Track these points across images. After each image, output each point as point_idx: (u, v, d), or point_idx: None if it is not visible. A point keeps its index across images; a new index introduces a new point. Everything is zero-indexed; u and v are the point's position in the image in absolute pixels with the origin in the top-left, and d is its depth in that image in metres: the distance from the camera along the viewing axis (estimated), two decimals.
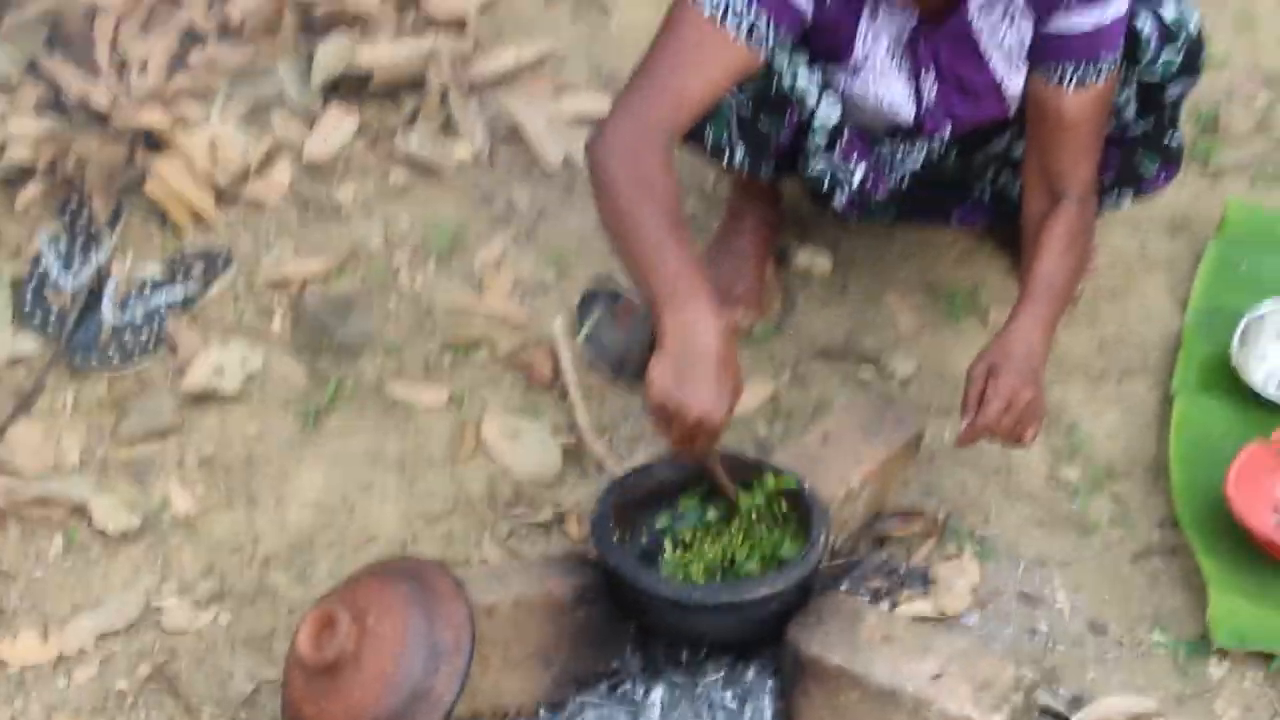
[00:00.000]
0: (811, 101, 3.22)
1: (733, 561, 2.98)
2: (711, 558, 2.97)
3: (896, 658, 2.82)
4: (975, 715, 2.75)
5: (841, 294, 3.66)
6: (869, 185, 3.35)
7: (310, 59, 3.94)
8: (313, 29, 4.00)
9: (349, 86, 3.96)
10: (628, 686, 2.94)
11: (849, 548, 3.18)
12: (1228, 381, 3.45)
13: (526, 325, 3.56)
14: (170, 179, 3.70)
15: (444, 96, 3.96)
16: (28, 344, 3.48)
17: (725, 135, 3.24)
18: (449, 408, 3.41)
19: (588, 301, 2.91)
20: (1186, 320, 3.60)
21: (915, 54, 3.19)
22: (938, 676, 2.80)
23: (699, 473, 3.01)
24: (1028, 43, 3.18)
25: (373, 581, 2.86)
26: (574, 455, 3.33)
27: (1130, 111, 3.32)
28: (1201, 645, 3.07)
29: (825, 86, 3.24)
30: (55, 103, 3.80)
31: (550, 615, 2.92)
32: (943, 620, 3.09)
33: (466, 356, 3.50)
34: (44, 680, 3.02)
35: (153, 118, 3.75)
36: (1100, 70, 3.16)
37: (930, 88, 3.23)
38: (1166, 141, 3.40)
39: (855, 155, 3.31)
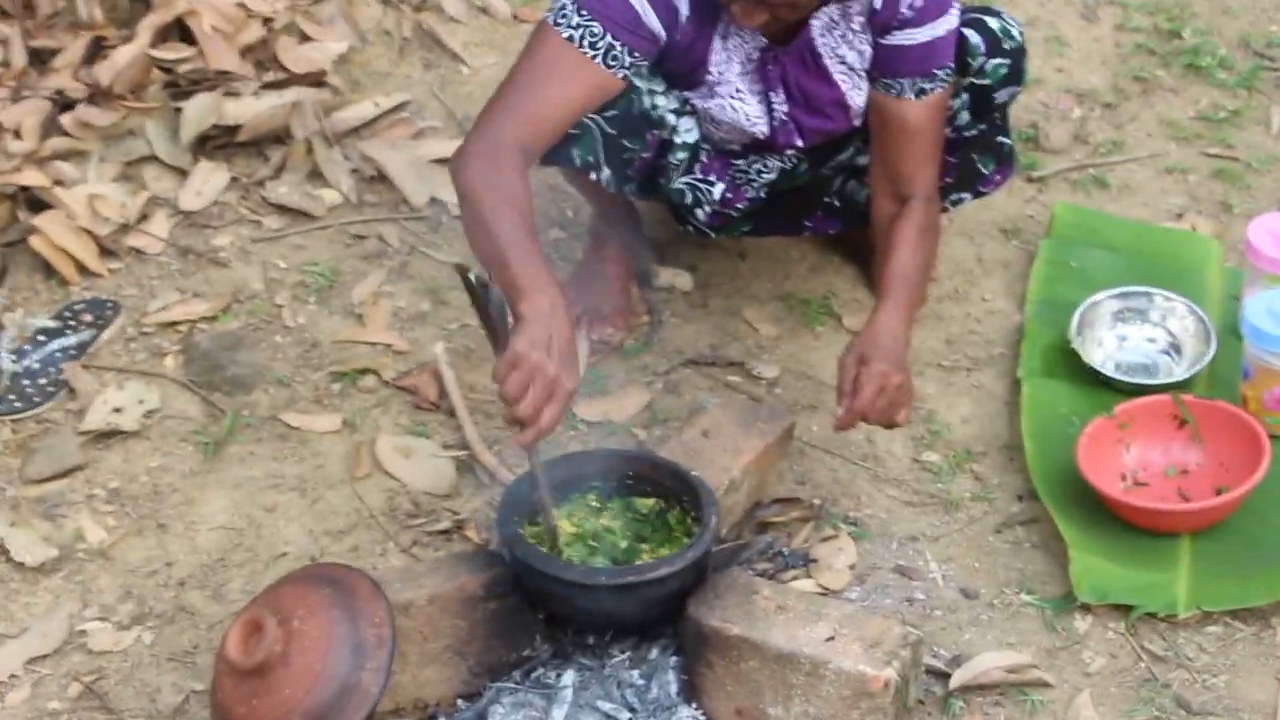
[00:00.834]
0: (671, 121, 3.44)
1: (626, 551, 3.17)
2: (610, 544, 3.14)
3: (791, 624, 3.01)
4: (869, 670, 2.93)
5: (704, 309, 3.87)
6: (729, 199, 3.57)
7: (178, 117, 4.08)
8: (179, 88, 4.14)
9: (217, 141, 4.10)
10: (540, 672, 3.10)
11: (734, 535, 3.37)
12: (1069, 365, 3.70)
13: (409, 352, 3.72)
14: (53, 235, 3.82)
15: (309, 146, 4.13)
16: None
17: (591, 155, 3.42)
18: (342, 432, 3.56)
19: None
20: (1026, 313, 3.85)
21: (765, 74, 3.42)
22: (830, 639, 2.99)
23: (592, 471, 3.20)
24: (868, 59, 3.43)
25: (295, 587, 3.00)
26: (466, 468, 3.50)
27: (965, 116, 3.57)
28: (1066, 602, 3.29)
29: (683, 108, 3.46)
30: None
31: (464, 609, 3.07)
32: (827, 594, 3.30)
33: (354, 384, 3.66)
34: None
35: (31, 178, 3.87)
36: (936, 80, 3.41)
37: (780, 105, 3.46)
38: (999, 141, 3.66)
39: (714, 173, 3.54)
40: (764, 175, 3.63)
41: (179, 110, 4.09)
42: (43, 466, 3.45)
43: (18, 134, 3.96)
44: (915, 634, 3.03)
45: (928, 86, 3.42)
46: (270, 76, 4.23)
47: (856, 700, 2.93)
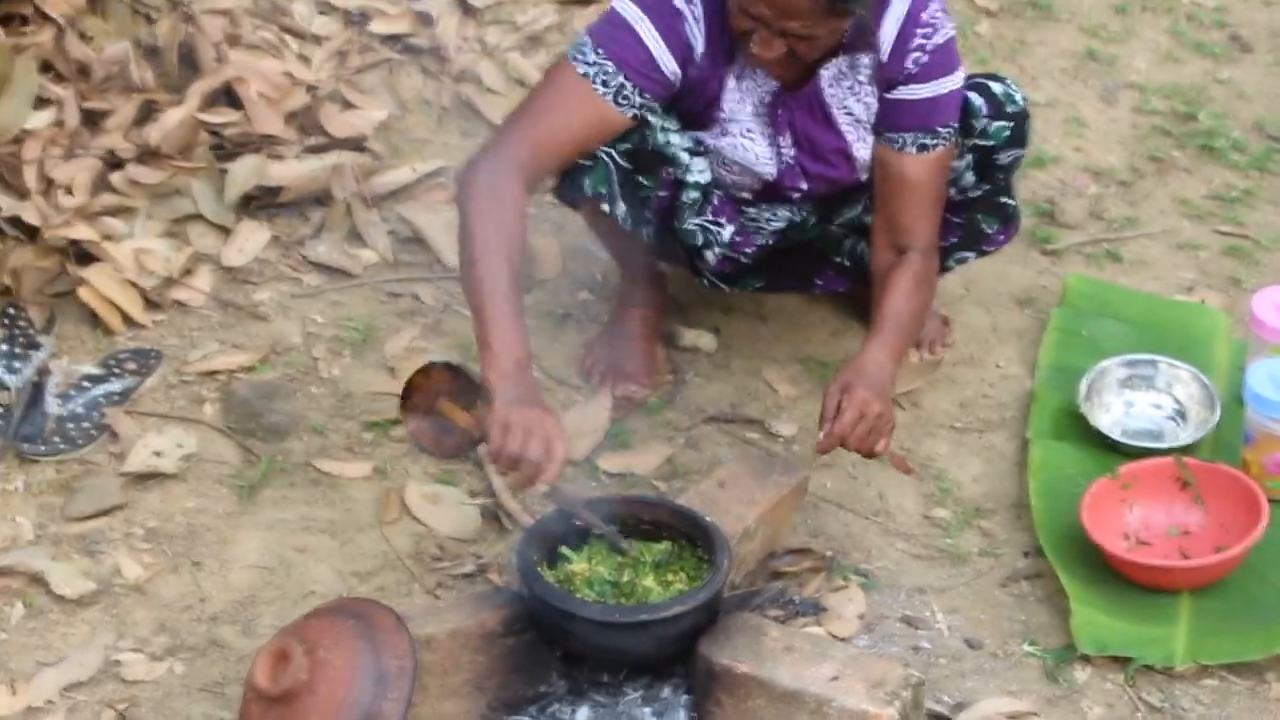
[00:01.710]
0: (684, 160, 3.59)
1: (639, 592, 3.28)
2: (624, 583, 3.25)
3: (798, 664, 3.13)
4: (871, 709, 3.05)
5: (725, 369, 4.00)
6: (738, 243, 3.72)
7: (224, 177, 4.24)
8: (224, 150, 4.30)
9: (260, 201, 4.26)
10: (555, 708, 3.22)
11: (747, 582, 3.48)
12: (1076, 428, 3.82)
13: None
14: (101, 287, 3.97)
15: (349, 208, 4.28)
16: None
17: (604, 186, 3.56)
18: (373, 478, 3.69)
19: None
20: (1037, 378, 3.97)
21: (775, 117, 3.57)
22: (835, 678, 3.10)
23: (609, 516, 3.32)
24: (874, 112, 3.57)
25: (321, 619, 3.14)
26: (491, 514, 3.62)
27: (969, 177, 3.72)
28: (1067, 653, 3.40)
29: (696, 147, 3.61)
30: None
31: (483, 645, 3.19)
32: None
33: (386, 433, 3.79)
34: None
35: (81, 232, 4.03)
36: (939, 137, 3.56)
37: (788, 148, 3.61)
38: (1003, 202, 3.80)
39: (724, 216, 3.69)
40: (773, 223, 3.78)
41: (224, 171, 4.24)
42: (84, 505, 3.59)
43: (70, 190, 4.11)
44: (917, 676, 3.13)
45: (929, 142, 3.57)
46: (313, 141, 4.39)
47: None
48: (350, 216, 4.27)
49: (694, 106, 3.57)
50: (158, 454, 3.68)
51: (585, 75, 3.43)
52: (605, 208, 3.57)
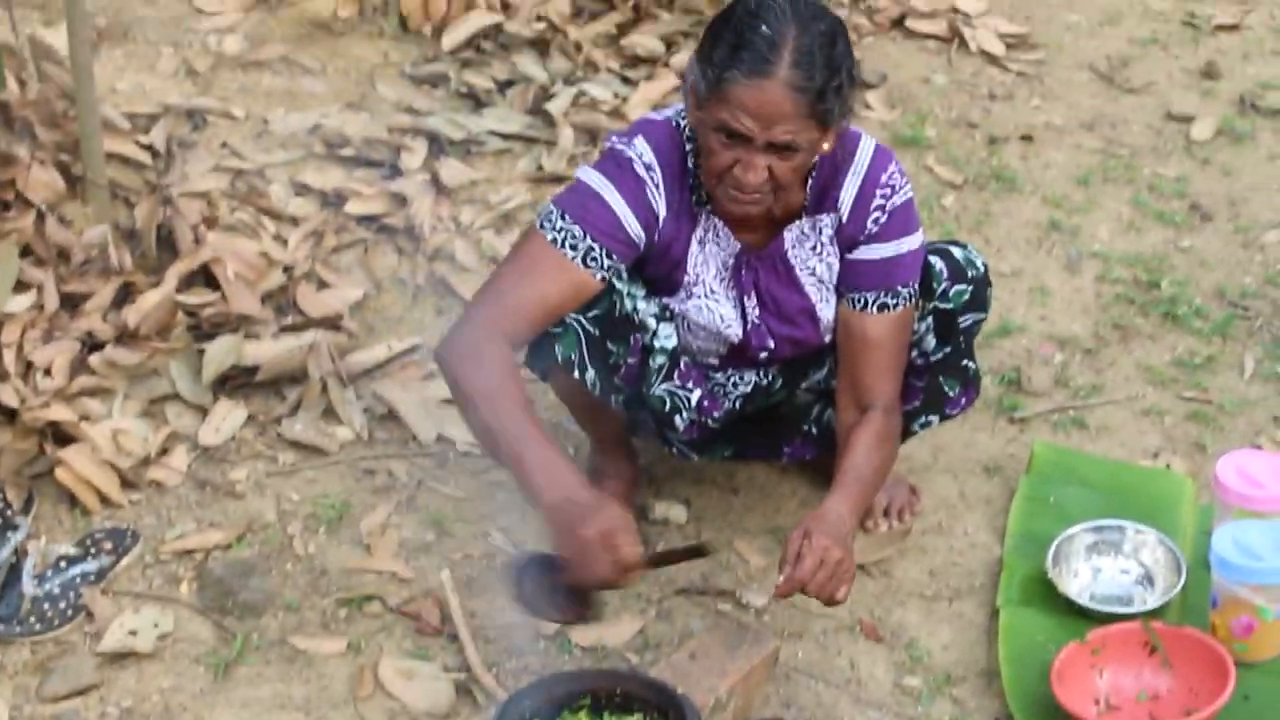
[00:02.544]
0: (652, 325, 3.67)
1: None
2: None
3: None
4: None
5: (696, 540, 4.04)
6: (705, 408, 3.78)
7: (200, 357, 4.30)
8: (201, 330, 4.37)
9: (237, 380, 4.32)
10: None
11: None
12: (1045, 594, 3.85)
13: (413, 580, 3.89)
14: (78, 468, 4.01)
15: (324, 386, 4.34)
16: None
17: (574, 353, 3.63)
18: (347, 655, 3.72)
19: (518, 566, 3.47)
20: (1006, 545, 4.01)
21: (739, 279, 3.66)
22: None
23: (582, 689, 3.36)
24: (836, 272, 3.65)
25: None
26: (465, 689, 3.64)
27: (930, 341, 3.79)
28: None
29: (662, 313, 3.69)
30: None
31: None
32: None
33: (360, 610, 3.82)
34: None
35: (59, 414, 4.08)
36: (899, 296, 3.66)
37: (753, 309, 3.69)
38: (964, 365, 3.87)
39: (692, 380, 3.76)
40: (739, 388, 3.85)
41: (201, 351, 4.30)
42: (59, 686, 3.61)
43: (49, 372, 4.17)
44: None
45: (890, 302, 3.66)
46: (289, 320, 4.45)
47: None
48: (326, 394, 4.32)
49: (659, 272, 3.66)
50: (133, 633, 3.71)
51: (554, 241, 3.52)
52: (575, 374, 3.64)
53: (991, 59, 5.83)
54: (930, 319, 3.76)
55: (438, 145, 5.11)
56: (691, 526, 4.08)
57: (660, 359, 3.71)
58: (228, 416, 4.26)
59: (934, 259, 3.74)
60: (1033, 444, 4.32)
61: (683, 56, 5.48)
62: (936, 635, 3.84)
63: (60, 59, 4.74)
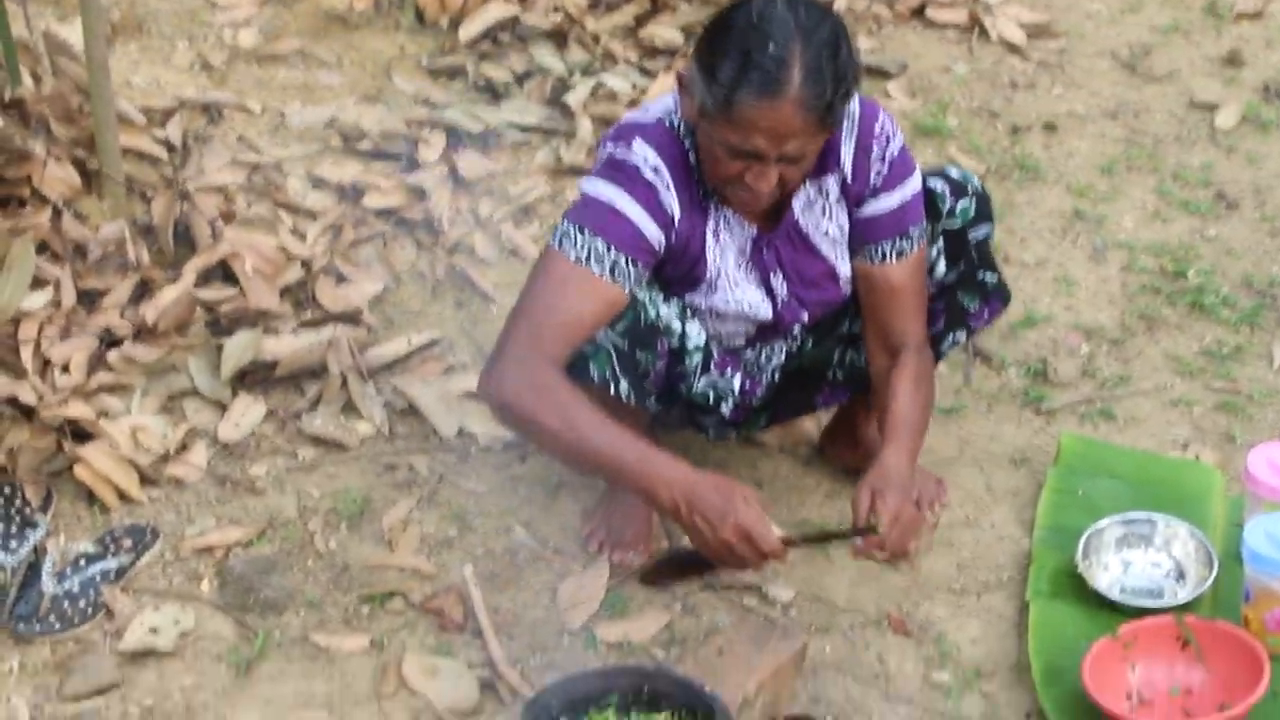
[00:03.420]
0: (677, 328, 3.63)
1: None
2: None
3: None
4: None
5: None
6: (747, 389, 3.78)
7: (219, 352, 4.27)
8: (220, 325, 4.34)
9: (256, 376, 4.28)
10: None
11: None
12: (1075, 588, 3.81)
13: (435, 576, 3.85)
14: (97, 464, 3.98)
15: (344, 381, 4.30)
16: None
17: (608, 370, 3.57)
18: (370, 652, 3.68)
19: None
20: (1034, 538, 3.97)
21: (761, 260, 3.63)
22: None
23: (611, 686, 3.32)
24: (847, 230, 3.66)
25: None
26: (489, 686, 3.61)
27: (941, 265, 3.80)
28: None
29: (686, 312, 3.65)
30: None
31: None
32: None
33: (382, 606, 3.78)
34: None
35: (77, 411, 4.04)
36: (911, 238, 3.68)
37: (781, 285, 3.67)
38: (981, 279, 3.86)
39: (729, 367, 3.73)
40: (773, 359, 3.85)
41: (220, 347, 4.27)
42: (79, 685, 3.57)
43: (66, 369, 4.14)
44: None
45: (905, 246, 3.68)
46: (308, 315, 4.42)
47: None
48: (345, 389, 4.28)
49: (679, 271, 3.62)
50: (154, 631, 3.67)
51: (577, 260, 3.46)
52: (611, 390, 3.59)
53: (1012, 48, 5.77)
54: (940, 241, 3.79)
55: (455, 138, 5.07)
56: None
57: (695, 358, 3.69)
58: (247, 412, 4.22)
59: (933, 181, 3.77)
60: (1060, 435, 4.28)
61: None
62: (965, 629, 3.79)
63: (75, 54, 4.70)
